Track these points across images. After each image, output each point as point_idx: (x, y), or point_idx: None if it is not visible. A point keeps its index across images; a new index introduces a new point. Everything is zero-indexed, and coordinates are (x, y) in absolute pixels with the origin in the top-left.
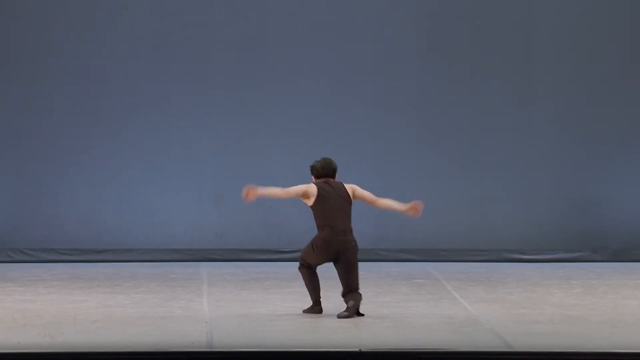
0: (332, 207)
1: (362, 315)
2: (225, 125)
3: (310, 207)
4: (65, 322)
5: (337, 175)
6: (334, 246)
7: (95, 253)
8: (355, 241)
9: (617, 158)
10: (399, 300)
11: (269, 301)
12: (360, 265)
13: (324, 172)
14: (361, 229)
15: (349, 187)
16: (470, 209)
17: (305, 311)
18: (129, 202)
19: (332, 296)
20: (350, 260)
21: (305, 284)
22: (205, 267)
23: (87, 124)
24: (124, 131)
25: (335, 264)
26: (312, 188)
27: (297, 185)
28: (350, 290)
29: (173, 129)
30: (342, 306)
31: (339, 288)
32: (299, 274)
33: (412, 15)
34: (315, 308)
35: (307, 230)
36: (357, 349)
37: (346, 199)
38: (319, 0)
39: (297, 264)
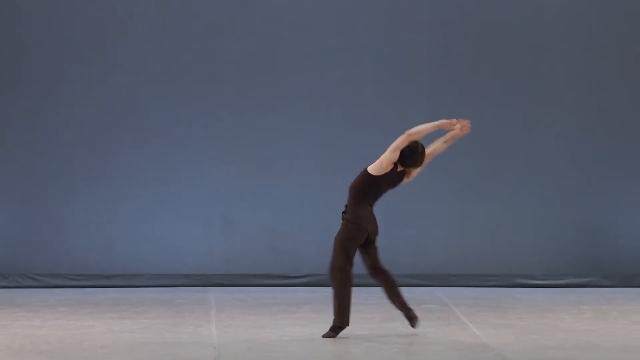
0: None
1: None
2: (233, 150)
3: (378, 175)
4: (73, 348)
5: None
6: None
7: (102, 278)
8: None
9: (626, 184)
10: (408, 326)
11: (278, 326)
12: (371, 290)
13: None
14: None
15: None
16: (479, 235)
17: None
18: (137, 228)
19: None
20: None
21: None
22: (213, 293)
23: (95, 150)
24: (131, 157)
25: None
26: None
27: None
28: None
29: (181, 154)
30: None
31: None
32: (308, 299)
33: (421, 40)
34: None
35: (316, 255)
36: None
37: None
38: (327, 25)
39: (305, 289)
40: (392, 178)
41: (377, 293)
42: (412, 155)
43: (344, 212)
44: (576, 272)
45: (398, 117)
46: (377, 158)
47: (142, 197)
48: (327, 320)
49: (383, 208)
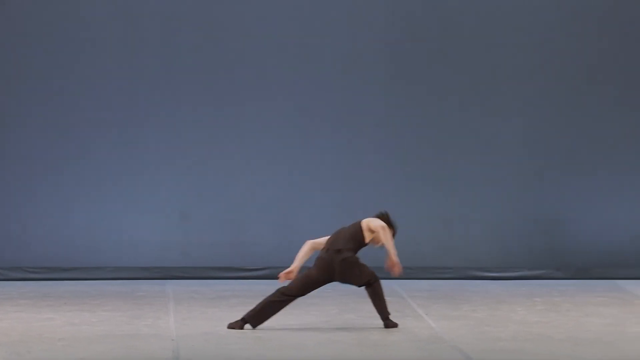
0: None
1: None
2: (192, 146)
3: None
4: (32, 341)
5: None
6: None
7: (63, 271)
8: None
9: (580, 178)
10: (365, 317)
11: (234, 318)
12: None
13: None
14: None
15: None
16: (435, 227)
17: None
18: (97, 221)
19: (299, 314)
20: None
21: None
22: (172, 285)
23: (55, 143)
24: (91, 151)
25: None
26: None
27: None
28: None
29: (139, 148)
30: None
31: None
32: (266, 292)
33: (380, 39)
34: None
35: (273, 248)
36: None
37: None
38: (289, 24)
39: (263, 281)
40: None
41: (332, 285)
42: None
43: (339, 249)
44: (529, 265)
45: (353, 112)
46: (331, 153)
47: (101, 192)
48: (284, 312)
49: (340, 202)
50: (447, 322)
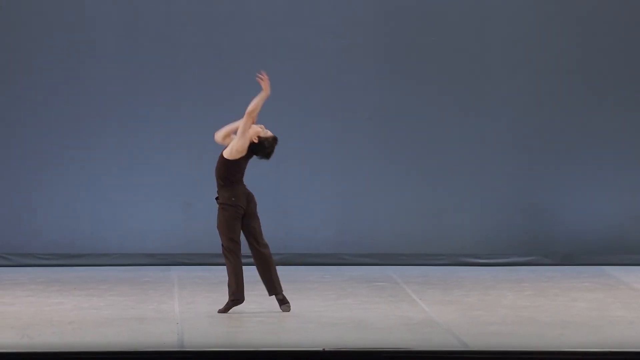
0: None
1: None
2: (194, 137)
3: (234, 159)
4: (43, 324)
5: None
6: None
7: (70, 257)
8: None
9: (565, 167)
10: (361, 302)
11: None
12: (324, 268)
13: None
14: (323, 234)
15: None
16: (427, 216)
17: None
18: (103, 209)
19: (299, 298)
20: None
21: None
22: (175, 271)
23: (62, 134)
24: (98, 141)
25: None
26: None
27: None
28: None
29: (145, 139)
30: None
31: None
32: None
33: (370, 34)
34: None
35: (271, 235)
36: (321, 349)
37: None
38: (283, 19)
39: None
40: (249, 155)
41: (330, 271)
42: (264, 150)
43: (216, 197)
44: (518, 252)
45: (346, 106)
46: (326, 145)
47: (108, 180)
48: (287, 297)
49: (334, 193)
50: (440, 307)
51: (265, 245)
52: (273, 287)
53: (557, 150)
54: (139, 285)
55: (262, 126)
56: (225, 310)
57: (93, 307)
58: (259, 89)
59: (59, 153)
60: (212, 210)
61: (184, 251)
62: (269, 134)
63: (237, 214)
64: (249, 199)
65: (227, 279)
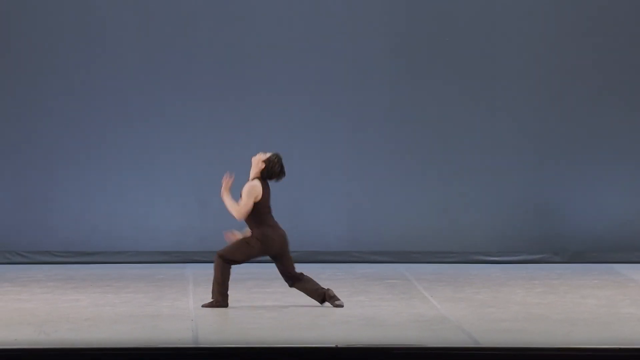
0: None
1: None
2: (209, 136)
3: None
4: (59, 320)
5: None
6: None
7: (86, 255)
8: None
9: (575, 166)
10: (373, 300)
11: (251, 300)
12: (336, 266)
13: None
14: (336, 232)
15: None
16: (439, 214)
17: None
18: (119, 208)
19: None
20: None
21: (222, 278)
22: (190, 269)
23: (79, 134)
24: (113, 141)
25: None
26: (258, 189)
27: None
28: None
29: (160, 139)
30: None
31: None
32: (278, 274)
33: (383, 35)
34: (222, 303)
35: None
36: (334, 345)
37: None
38: (297, 20)
39: (273, 265)
40: (264, 192)
41: (343, 269)
42: (273, 168)
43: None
44: (529, 249)
45: (360, 106)
46: (338, 144)
47: (124, 179)
48: (297, 294)
49: (346, 191)
50: (451, 304)
51: (300, 274)
52: (321, 294)
53: (567, 148)
54: (154, 282)
55: (260, 153)
56: (209, 305)
57: (109, 304)
58: (272, 91)
59: (76, 152)
60: (225, 209)
61: (198, 249)
62: (268, 154)
63: (261, 253)
64: (282, 241)
65: (240, 277)
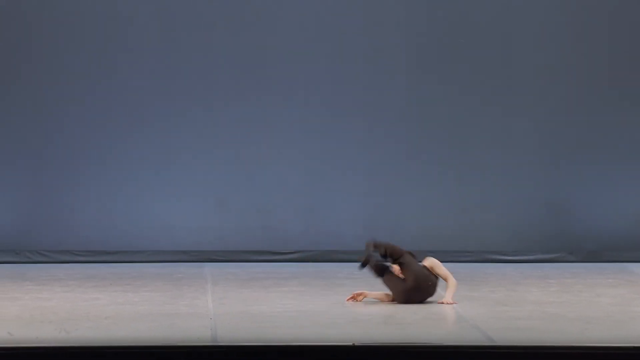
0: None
1: None
2: (227, 137)
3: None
4: (79, 319)
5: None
6: None
7: (106, 254)
8: None
9: (590, 165)
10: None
11: (269, 299)
12: (352, 264)
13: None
14: (352, 231)
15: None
16: (455, 214)
17: None
18: (138, 208)
19: (329, 294)
20: None
21: None
22: (208, 268)
23: (99, 136)
24: (133, 142)
25: None
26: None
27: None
28: None
29: (179, 139)
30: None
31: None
32: (296, 274)
33: (401, 38)
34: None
35: (302, 233)
36: (351, 343)
37: None
38: (315, 23)
39: (293, 264)
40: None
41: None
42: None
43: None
44: (544, 249)
45: (376, 106)
46: (355, 143)
47: (143, 179)
48: (314, 293)
49: (365, 190)
50: (467, 302)
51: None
52: None
53: (582, 147)
54: (173, 281)
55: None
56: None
57: (128, 302)
58: (287, 88)
59: (96, 152)
60: (244, 207)
61: (216, 248)
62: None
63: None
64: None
65: (258, 276)
